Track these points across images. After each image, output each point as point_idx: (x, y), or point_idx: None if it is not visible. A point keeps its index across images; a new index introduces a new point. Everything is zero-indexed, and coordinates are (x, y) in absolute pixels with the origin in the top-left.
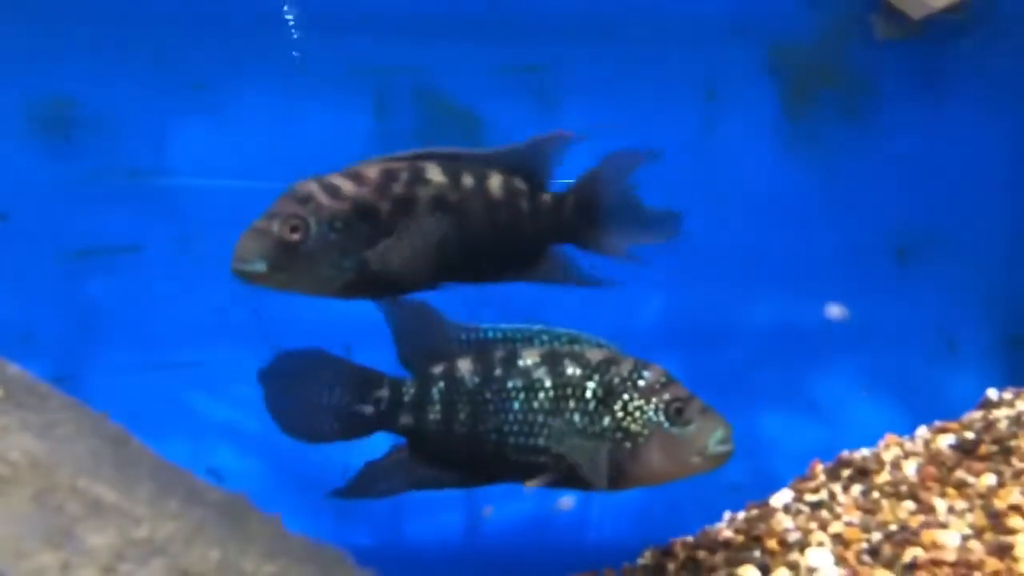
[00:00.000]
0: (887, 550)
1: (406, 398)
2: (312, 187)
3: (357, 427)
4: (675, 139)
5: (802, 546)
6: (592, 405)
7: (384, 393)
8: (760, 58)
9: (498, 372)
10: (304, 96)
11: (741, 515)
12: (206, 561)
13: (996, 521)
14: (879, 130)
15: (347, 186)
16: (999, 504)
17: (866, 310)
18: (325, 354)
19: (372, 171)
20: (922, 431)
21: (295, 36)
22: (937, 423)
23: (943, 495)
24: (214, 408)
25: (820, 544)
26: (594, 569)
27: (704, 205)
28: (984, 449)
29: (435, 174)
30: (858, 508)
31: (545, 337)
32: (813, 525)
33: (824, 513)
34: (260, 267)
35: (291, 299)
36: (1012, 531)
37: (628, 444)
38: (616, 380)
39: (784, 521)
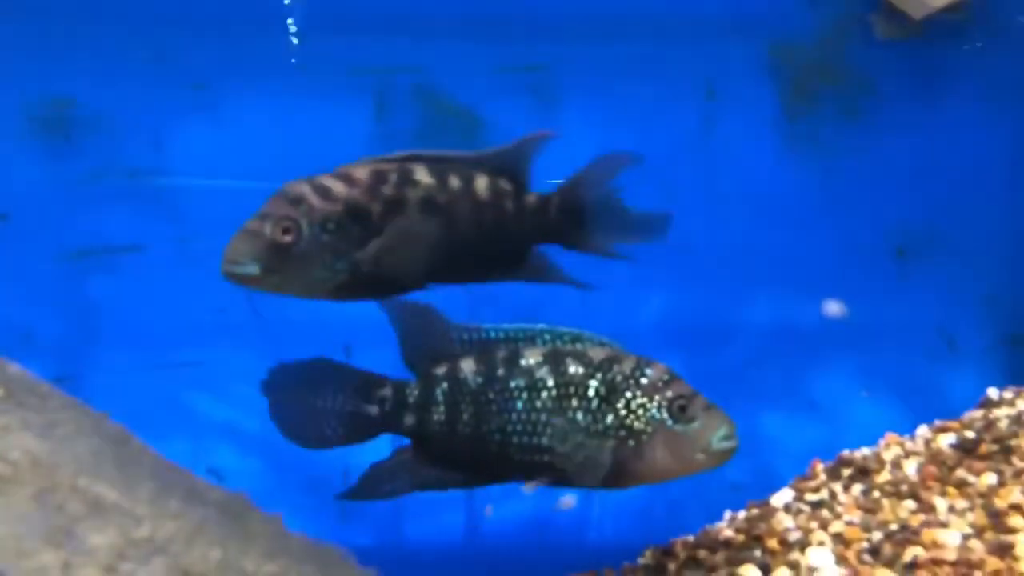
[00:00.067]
0: (888, 549)
1: (410, 399)
2: (303, 188)
3: (362, 431)
4: (675, 138)
5: (803, 545)
6: (595, 403)
7: (388, 395)
8: (760, 58)
9: (501, 372)
10: (304, 96)
11: (742, 514)
12: (207, 560)
13: (997, 520)
14: (879, 130)
15: (338, 187)
16: (1000, 503)
17: (866, 310)
18: (327, 361)
19: (362, 172)
20: (922, 430)
21: (295, 43)
22: (937, 422)
23: (944, 494)
24: (214, 408)
25: (821, 543)
26: (595, 569)
27: (704, 205)
28: (984, 448)
29: (423, 175)
30: (859, 507)
31: (548, 336)
32: (814, 524)
33: (825, 512)
34: (252, 269)
35: (289, 300)
36: (1013, 530)
37: (632, 442)
38: (619, 378)
39: (785, 520)
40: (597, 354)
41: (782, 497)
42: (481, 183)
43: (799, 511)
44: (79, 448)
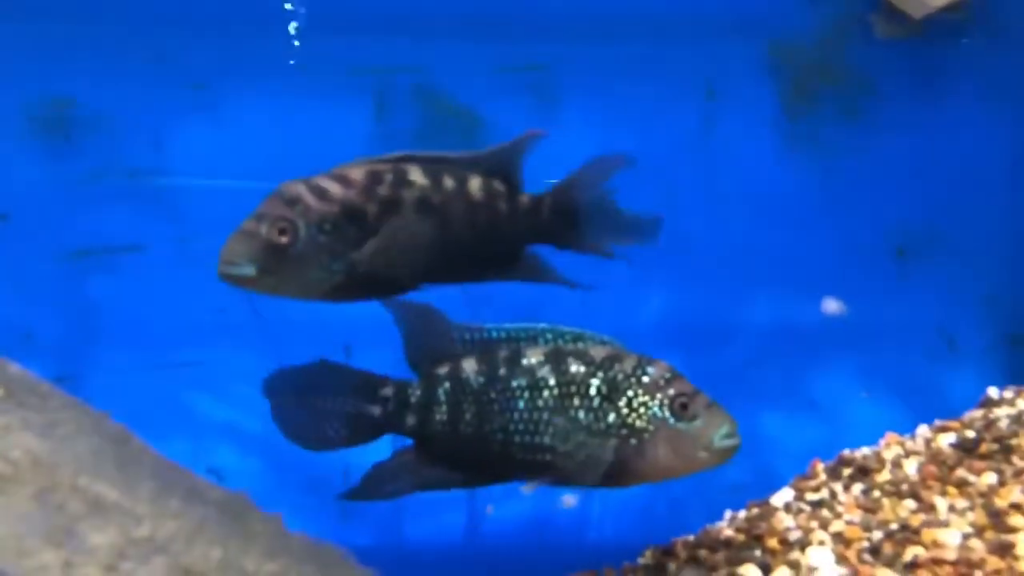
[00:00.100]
0: (888, 549)
1: (412, 400)
2: (299, 189)
3: (365, 431)
4: (675, 138)
5: (803, 545)
6: (597, 402)
7: (390, 396)
8: (760, 57)
9: (503, 371)
10: (304, 96)
11: (742, 514)
12: (207, 560)
13: (997, 520)
14: (879, 129)
15: (334, 188)
16: (1000, 503)
17: (866, 309)
18: (328, 362)
19: (357, 173)
20: (923, 430)
21: (296, 44)
22: (938, 422)
23: (944, 494)
24: (215, 407)
25: (821, 543)
26: (595, 568)
27: (704, 205)
28: (985, 448)
29: (418, 176)
30: (859, 507)
31: (549, 336)
32: (814, 524)
33: (825, 512)
34: (248, 270)
35: (289, 300)
36: (1013, 529)
37: (633, 440)
38: (620, 376)
39: (785, 520)
40: (599, 353)
41: (782, 497)
42: (475, 183)
43: (799, 511)
44: (79, 447)
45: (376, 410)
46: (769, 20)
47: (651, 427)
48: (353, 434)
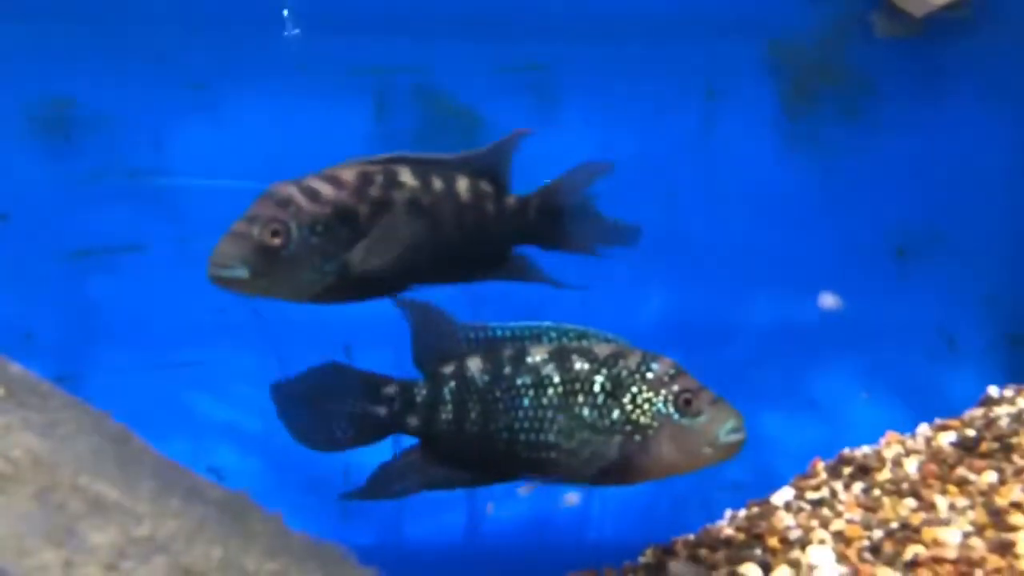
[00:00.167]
0: (888, 548)
1: (418, 399)
2: (291, 190)
3: (371, 431)
4: (675, 138)
5: (803, 544)
6: (601, 399)
7: (395, 395)
8: (760, 56)
9: (507, 370)
10: (304, 96)
11: (742, 513)
12: (208, 559)
13: (997, 518)
14: (879, 129)
15: (326, 190)
16: (1000, 501)
17: (866, 308)
18: (333, 363)
19: (348, 174)
20: (923, 429)
21: (295, 31)
22: (938, 421)
23: (944, 492)
24: (215, 407)
25: (821, 542)
26: (595, 567)
27: (704, 205)
28: (985, 446)
29: (408, 177)
30: (859, 506)
31: (553, 334)
32: (814, 523)
33: (825, 511)
34: (241, 273)
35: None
36: (1013, 528)
37: (638, 437)
38: (624, 373)
39: (785, 519)
40: (603, 350)
41: (783, 495)
42: (462, 184)
43: (800, 509)
44: (80, 447)
45: (382, 410)
46: (769, 20)
47: (655, 423)
48: (359, 434)
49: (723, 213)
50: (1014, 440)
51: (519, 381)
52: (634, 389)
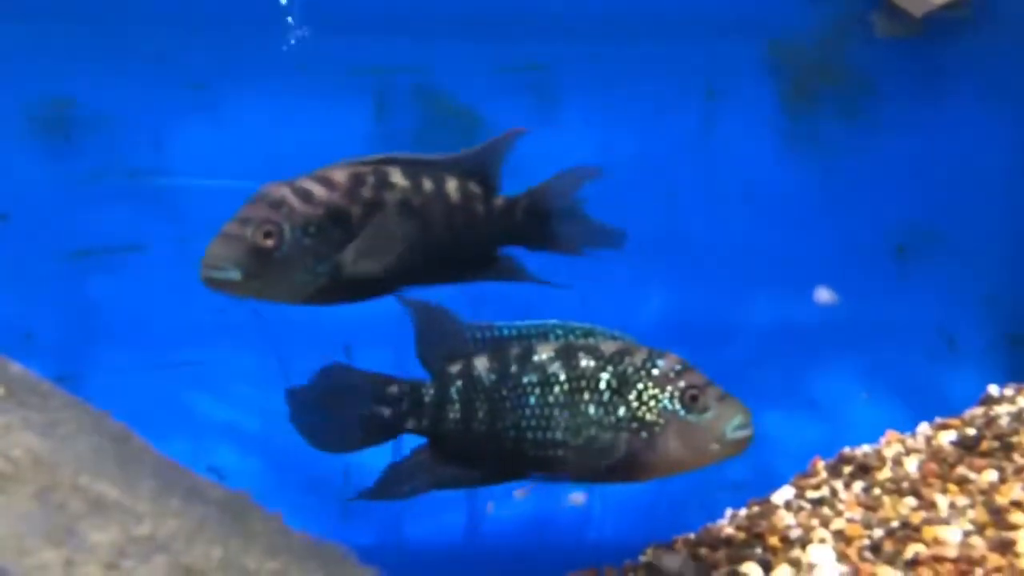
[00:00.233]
0: (889, 546)
1: (426, 399)
2: (284, 191)
3: (379, 432)
4: (675, 138)
5: (804, 543)
6: (607, 396)
7: (403, 396)
8: (760, 56)
9: (514, 368)
10: (304, 96)
11: (743, 512)
12: (208, 558)
13: (998, 517)
14: (879, 128)
15: (319, 190)
16: (1000, 500)
17: (866, 308)
18: (342, 366)
19: (340, 175)
20: (923, 428)
21: (297, 32)
22: (938, 420)
23: (944, 491)
24: (215, 407)
25: (822, 541)
26: (596, 567)
27: (704, 204)
28: (985, 445)
29: (399, 178)
30: (860, 505)
31: (560, 332)
32: (815, 522)
33: (826, 510)
34: (234, 275)
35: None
36: (1014, 527)
37: (644, 434)
38: (630, 370)
39: (786, 518)
40: (608, 347)
41: (783, 495)
42: (452, 185)
43: (800, 508)
44: (80, 447)
45: (391, 411)
46: (769, 20)
47: (662, 420)
48: (367, 435)
49: (723, 213)
50: (1014, 439)
51: (526, 379)
52: (640, 386)
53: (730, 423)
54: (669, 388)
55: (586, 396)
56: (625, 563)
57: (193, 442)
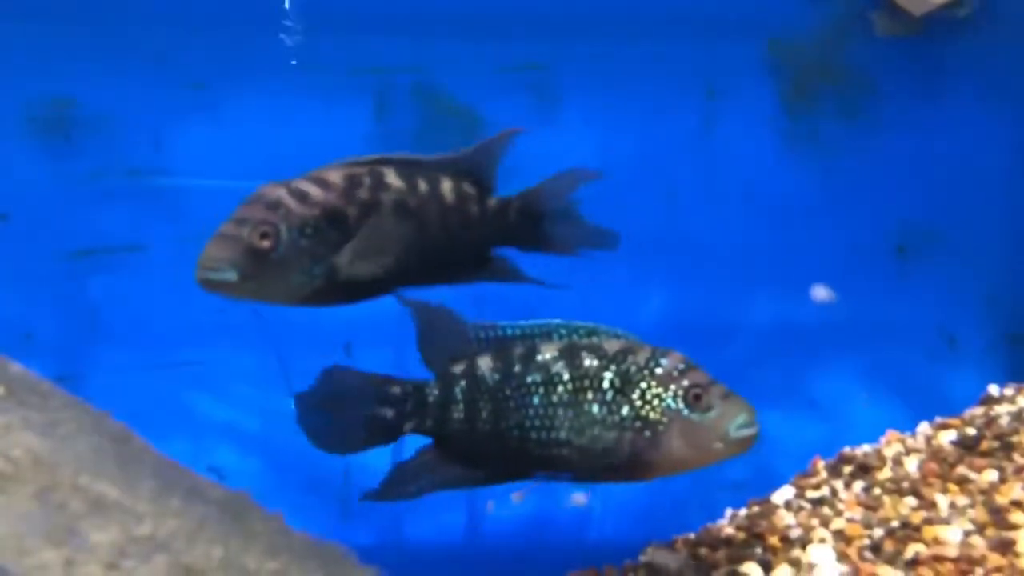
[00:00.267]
0: (889, 546)
1: (430, 399)
2: (280, 192)
3: (384, 433)
4: (675, 138)
5: (804, 543)
6: (610, 395)
7: (407, 396)
8: (760, 56)
9: (517, 368)
10: (304, 96)
11: (743, 512)
12: (209, 558)
13: (998, 517)
14: (880, 128)
15: (315, 191)
16: (1001, 500)
17: (866, 308)
18: (346, 368)
19: (336, 176)
20: (923, 427)
21: (297, 37)
22: (938, 419)
23: (945, 491)
24: (215, 407)
25: (822, 541)
26: (596, 567)
27: (704, 204)
28: (986, 445)
29: (394, 179)
30: (860, 504)
31: (563, 331)
32: (815, 522)
33: (826, 510)
34: (230, 276)
35: None
36: (1014, 527)
37: (648, 433)
38: (633, 369)
39: (786, 518)
40: (612, 346)
41: (783, 494)
42: (446, 186)
43: (800, 508)
44: (80, 446)
45: (395, 411)
46: (769, 19)
47: (665, 419)
48: (372, 436)
49: (723, 213)
50: (1014, 439)
51: (529, 379)
52: (643, 385)
53: (734, 421)
54: (672, 387)
55: (590, 395)
56: (625, 563)
57: (193, 442)
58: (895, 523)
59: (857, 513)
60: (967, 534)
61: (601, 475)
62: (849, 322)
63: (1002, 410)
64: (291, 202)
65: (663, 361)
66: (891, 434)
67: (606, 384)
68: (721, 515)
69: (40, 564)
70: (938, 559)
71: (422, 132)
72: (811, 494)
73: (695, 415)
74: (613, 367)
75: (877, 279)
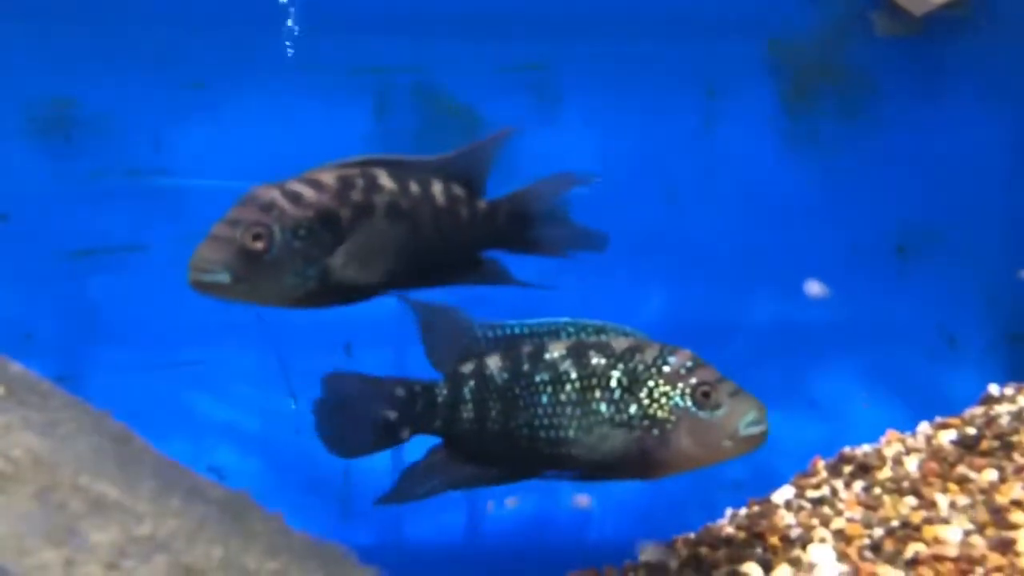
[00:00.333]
0: (889, 546)
1: (439, 399)
2: (273, 194)
3: (394, 434)
4: (675, 137)
5: (804, 542)
6: (618, 394)
7: (416, 397)
8: (760, 55)
9: (526, 367)
10: (304, 96)
11: (743, 511)
12: (209, 558)
13: (998, 516)
14: (879, 127)
15: (308, 193)
16: (1001, 499)
17: (866, 307)
18: (356, 373)
19: (329, 177)
20: (923, 427)
21: (295, 32)
22: (938, 419)
23: (945, 491)
24: (215, 407)
25: (822, 540)
26: (596, 567)
27: (704, 204)
28: (986, 444)
29: (387, 181)
30: (860, 504)
31: (571, 329)
32: (815, 521)
33: (826, 509)
34: (223, 278)
35: None
36: (1014, 526)
37: (656, 431)
38: (641, 367)
39: (786, 517)
40: (620, 344)
41: (783, 494)
42: (437, 188)
43: (800, 508)
44: (80, 446)
45: (404, 413)
46: (769, 19)
47: (673, 417)
48: (382, 437)
49: (723, 213)
50: (1015, 438)
51: (537, 378)
52: (651, 383)
53: (744, 419)
54: (680, 385)
55: (598, 394)
56: (625, 563)
57: (193, 442)
58: (895, 523)
59: (857, 513)
60: (967, 534)
61: (610, 474)
62: (849, 322)
63: (1002, 410)
64: (284, 203)
65: (671, 359)
66: (891, 434)
67: (614, 383)
68: (721, 515)
69: (40, 564)
70: (938, 559)
71: (422, 132)
72: (811, 494)
73: (704, 413)
74: (621, 365)
75: (877, 279)
